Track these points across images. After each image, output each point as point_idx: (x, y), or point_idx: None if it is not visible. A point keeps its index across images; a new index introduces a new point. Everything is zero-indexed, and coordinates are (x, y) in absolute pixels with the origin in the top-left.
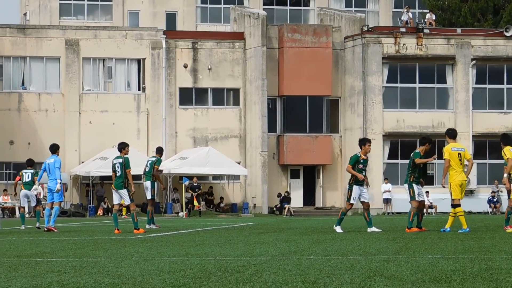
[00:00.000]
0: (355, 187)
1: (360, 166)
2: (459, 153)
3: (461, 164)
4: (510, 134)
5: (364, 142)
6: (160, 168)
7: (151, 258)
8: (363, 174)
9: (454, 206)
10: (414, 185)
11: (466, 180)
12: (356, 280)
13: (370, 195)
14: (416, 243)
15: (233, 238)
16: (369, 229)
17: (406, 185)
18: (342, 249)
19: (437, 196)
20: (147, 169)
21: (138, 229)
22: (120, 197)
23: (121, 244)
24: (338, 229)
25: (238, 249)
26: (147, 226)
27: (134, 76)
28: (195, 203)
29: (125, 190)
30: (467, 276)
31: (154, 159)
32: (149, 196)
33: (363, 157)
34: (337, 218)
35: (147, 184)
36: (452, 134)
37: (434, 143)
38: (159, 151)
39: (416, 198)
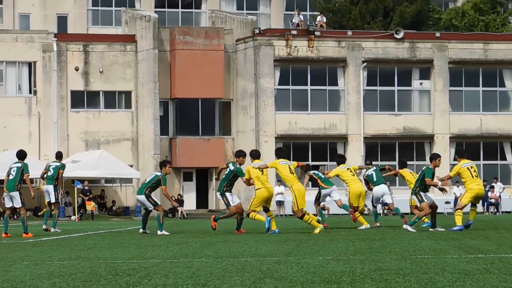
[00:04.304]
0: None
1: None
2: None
3: (263, 175)
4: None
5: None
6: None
7: (41, 262)
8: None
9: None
10: (227, 193)
11: (272, 195)
12: (246, 282)
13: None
14: (307, 245)
15: (125, 241)
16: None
17: (218, 194)
18: (233, 251)
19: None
20: (49, 173)
21: (28, 233)
22: (11, 200)
23: (12, 248)
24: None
25: (129, 252)
26: (53, 229)
27: (25, 79)
28: (88, 206)
29: (17, 192)
30: (356, 277)
31: (58, 164)
32: (53, 200)
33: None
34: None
35: (49, 188)
36: (255, 155)
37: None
38: (60, 156)
39: (231, 204)
